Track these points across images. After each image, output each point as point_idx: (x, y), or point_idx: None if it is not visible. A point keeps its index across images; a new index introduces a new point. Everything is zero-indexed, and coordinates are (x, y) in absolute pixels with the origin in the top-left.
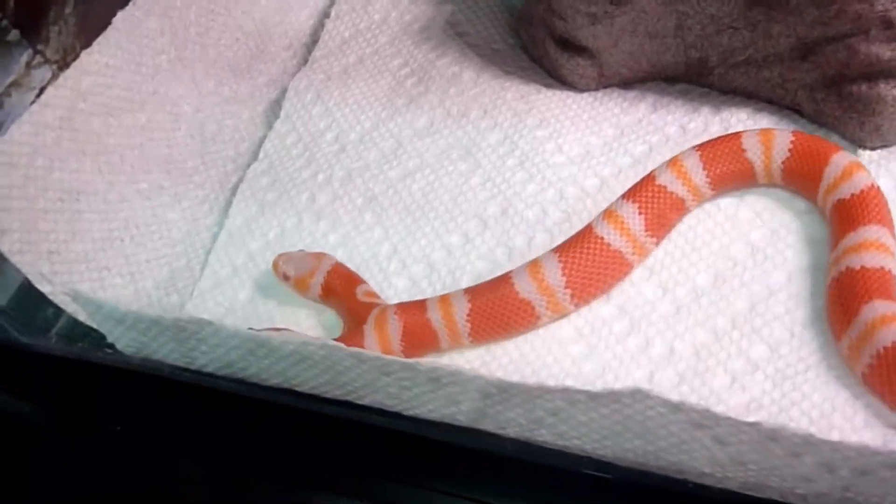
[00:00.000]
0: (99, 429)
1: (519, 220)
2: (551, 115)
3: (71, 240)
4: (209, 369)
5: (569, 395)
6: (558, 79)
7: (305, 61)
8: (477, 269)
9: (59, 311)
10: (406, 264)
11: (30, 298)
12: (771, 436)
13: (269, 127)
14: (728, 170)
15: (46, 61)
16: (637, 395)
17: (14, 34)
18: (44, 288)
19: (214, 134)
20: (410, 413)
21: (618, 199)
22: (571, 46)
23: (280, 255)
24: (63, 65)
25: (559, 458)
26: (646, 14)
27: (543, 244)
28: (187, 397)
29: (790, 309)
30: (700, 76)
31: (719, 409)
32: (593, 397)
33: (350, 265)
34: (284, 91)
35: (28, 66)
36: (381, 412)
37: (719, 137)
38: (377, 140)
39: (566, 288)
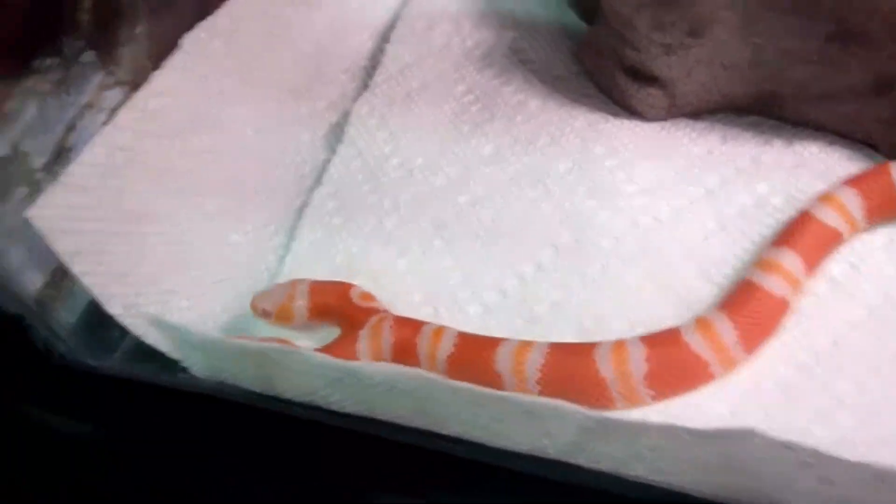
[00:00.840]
0: (164, 452)
1: (593, 248)
2: (620, 144)
3: (139, 262)
4: (287, 396)
5: (673, 433)
6: (626, 108)
7: (364, 85)
8: (552, 297)
9: (123, 333)
10: (477, 292)
11: (96, 319)
12: (881, 477)
13: (331, 150)
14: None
15: (118, 83)
16: (747, 435)
17: (88, 55)
18: (113, 310)
19: (277, 157)
20: (498, 445)
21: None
22: (642, 76)
23: (255, 296)
24: (134, 86)
25: (648, 490)
26: (722, 46)
27: (618, 273)
28: (262, 422)
29: (874, 346)
30: (772, 108)
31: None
32: (700, 435)
33: (420, 292)
34: (344, 114)
35: (101, 87)
36: (463, 442)
37: (867, 172)
38: (444, 166)
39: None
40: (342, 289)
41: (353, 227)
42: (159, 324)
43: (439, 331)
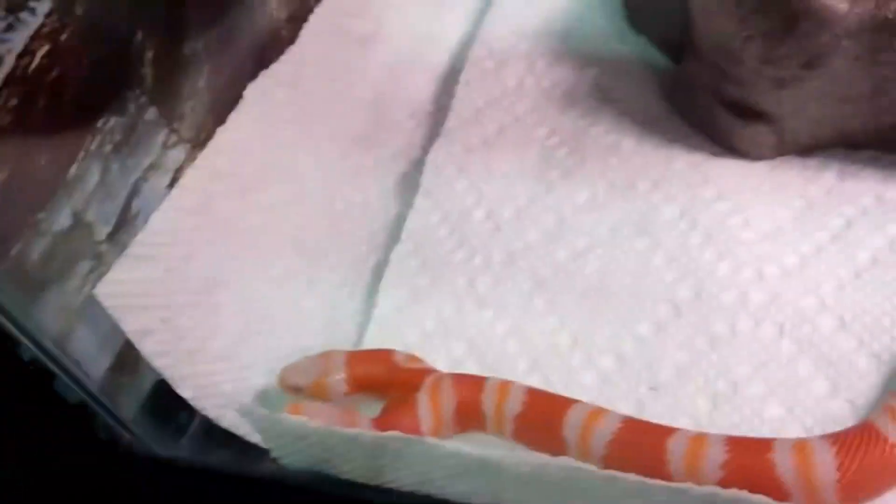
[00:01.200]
0: None
1: (716, 304)
2: (729, 186)
3: (210, 336)
4: (396, 485)
5: None
6: (728, 147)
7: (432, 131)
8: (676, 359)
9: (191, 416)
10: (591, 357)
11: (162, 403)
12: None
13: (402, 202)
14: None
15: (181, 140)
16: None
17: (152, 112)
18: (185, 393)
19: (343, 211)
20: None
21: None
22: (747, 113)
23: (283, 369)
24: (197, 143)
25: None
26: (840, 78)
27: (748, 330)
28: None
29: None
30: (892, 142)
31: None
32: None
33: (526, 359)
34: (414, 163)
35: (164, 146)
36: None
37: None
38: (536, 217)
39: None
40: (384, 355)
41: (442, 288)
42: (253, 415)
43: (505, 386)
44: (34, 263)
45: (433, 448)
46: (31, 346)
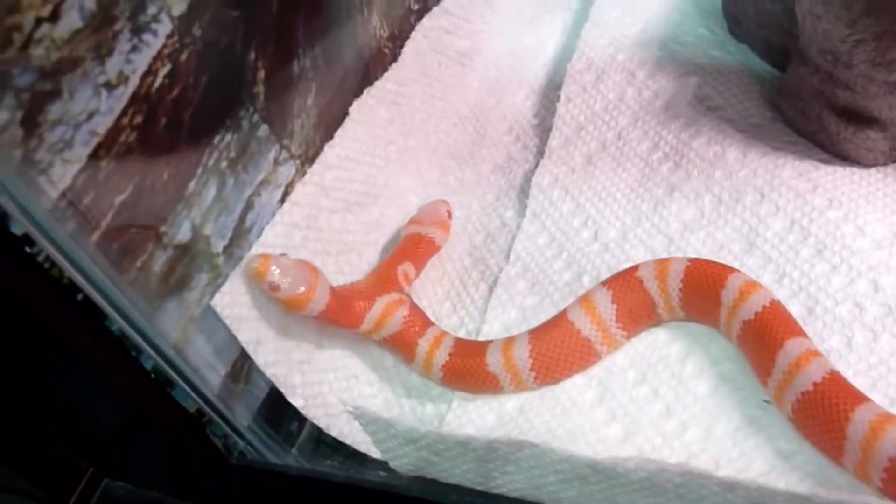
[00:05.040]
0: None
1: (831, 318)
2: (840, 193)
3: (319, 347)
4: (505, 490)
5: None
6: (838, 154)
7: (528, 146)
8: None
9: (301, 425)
10: (703, 370)
11: (274, 412)
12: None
13: (500, 218)
14: None
15: (291, 156)
16: None
17: (263, 129)
18: (296, 402)
19: None
20: None
21: None
22: (858, 118)
23: (261, 256)
24: (305, 159)
25: None
26: None
27: (865, 343)
28: None
29: None
30: None
31: None
32: None
33: (635, 370)
34: (512, 178)
35: (276, 162)
36: None
37: None
38: (643, 237)
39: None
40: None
41: (550, 308)
42: (366, 418)
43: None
44: (157, 275)
45: (546, 452)
46: (153, 354)
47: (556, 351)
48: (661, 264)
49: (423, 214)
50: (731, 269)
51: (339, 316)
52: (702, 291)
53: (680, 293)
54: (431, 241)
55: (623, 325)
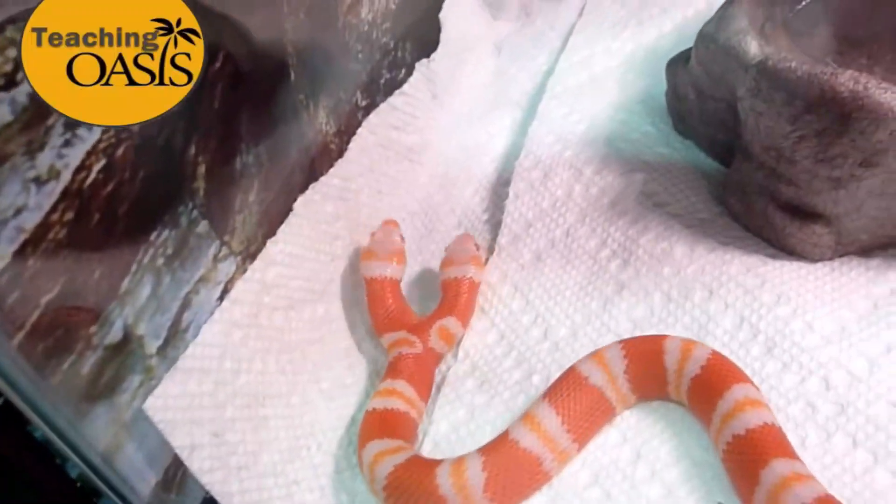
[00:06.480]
0: None
1: (783, 418)
2: (789, 288)
3: (258, 451)
4: None
5: None
6: (784, 249)
7: (478, 241)
8: None
9: None
10: (655, 471)
11: None
12: None
13: None
14: None
15: (231, 253)
16: None
17: (203, 225)
18: None
19: None
20: None
21: None
22: (803, 214)
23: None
24: (246, 255)
25: None
26: None
27: (818, 443)
28: None
29: None
30: None
31: None
32: None
33: (588, 471)
34: None
35: (215, 258)
36: None
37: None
38: (592, 335)
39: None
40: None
41: (499, 407)
42: None
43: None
44: (85, 378)
45: None
46: (79, 462)
47: (511, 472)
48: (597, 355)
49: (453, 253)
50: (665, 336)
51: None
52: (646, 364)
53: (626, 375)
54: (472, 282)
55: (574, 435)
